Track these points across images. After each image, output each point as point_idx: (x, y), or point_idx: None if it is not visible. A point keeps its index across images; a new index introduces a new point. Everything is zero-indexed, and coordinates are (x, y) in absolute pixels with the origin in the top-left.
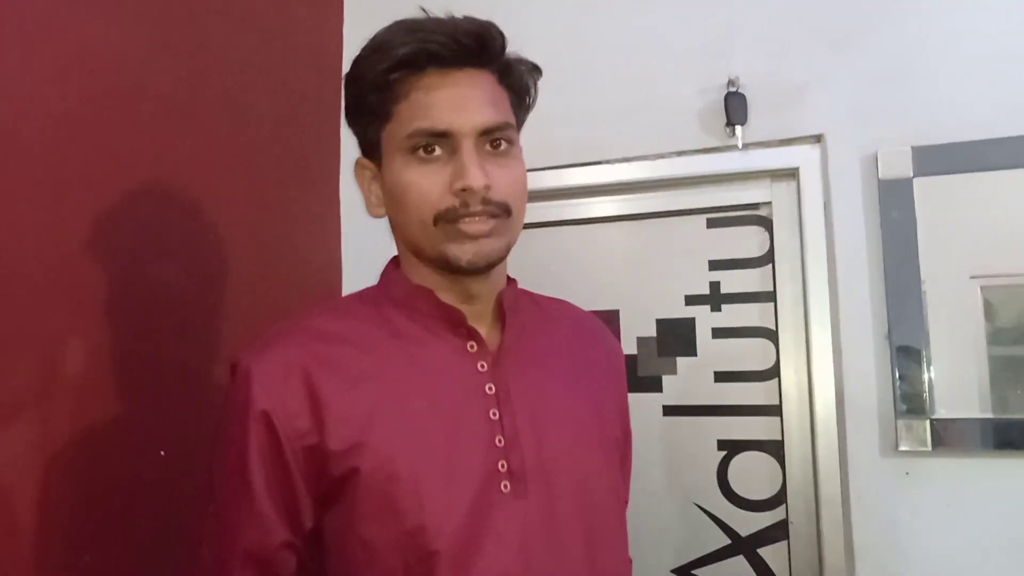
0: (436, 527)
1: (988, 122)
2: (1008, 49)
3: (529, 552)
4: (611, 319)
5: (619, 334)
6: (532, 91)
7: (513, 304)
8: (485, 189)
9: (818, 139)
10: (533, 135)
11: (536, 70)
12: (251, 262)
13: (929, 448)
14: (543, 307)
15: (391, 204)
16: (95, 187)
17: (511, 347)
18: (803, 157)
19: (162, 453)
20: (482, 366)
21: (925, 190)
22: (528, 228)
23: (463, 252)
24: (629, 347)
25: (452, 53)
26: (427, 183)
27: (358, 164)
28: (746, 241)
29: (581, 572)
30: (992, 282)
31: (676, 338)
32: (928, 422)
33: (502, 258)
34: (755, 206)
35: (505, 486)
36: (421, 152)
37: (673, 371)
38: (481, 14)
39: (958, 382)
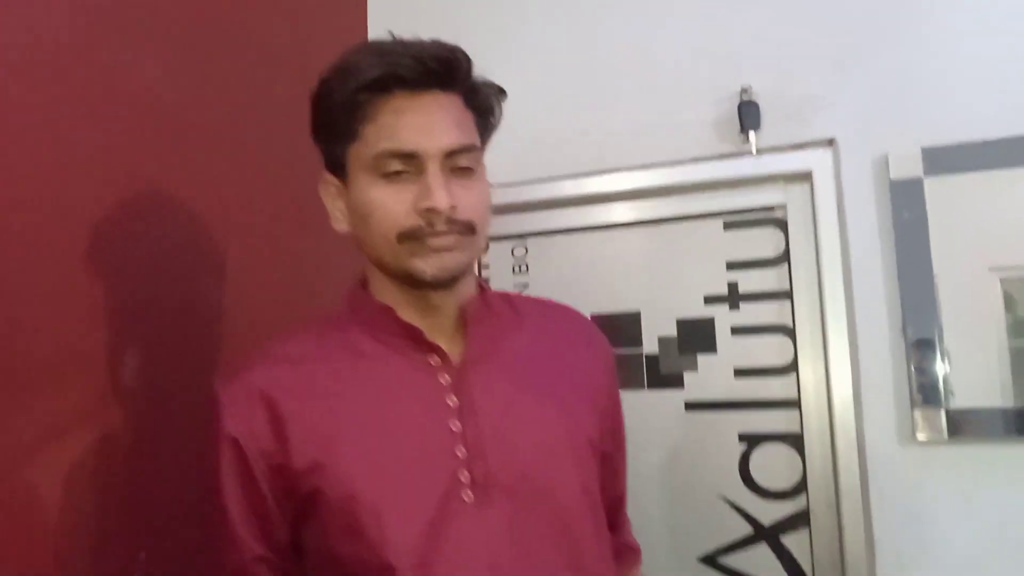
0: (396, 542)
1: (995, 122)
2: (1013, 49)
3: (497, 560)
4: (633, 320)
5: (641, 334)
6: (496, 112)
7: (479, 314)
8: (451, 209)
9: (830, 143)
10: (556, 145)
11: (501, 92)
12: (285, 278)
13: (946, 437)
14: (521, 311)
15: (356, 221)
16: (141, 215)
17: (477, 358)
18: (816, 161)
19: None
20: (444, 379)
21: (936, 189)
22: (552, 235)
23: (428, 265)
24: (651, 346)
25: (419, 76)
26: (392, 202)
27: (323, 180)
28: (762, 242)
29: (561, 574)
30: (1012, 274)
31: (696, 337)
32: (944, 411)
33: (465, 271)
34: (770, 208)
35: (467, 496)
36: (388, 172)
37: (694, 368)
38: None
39: (975, 372)
